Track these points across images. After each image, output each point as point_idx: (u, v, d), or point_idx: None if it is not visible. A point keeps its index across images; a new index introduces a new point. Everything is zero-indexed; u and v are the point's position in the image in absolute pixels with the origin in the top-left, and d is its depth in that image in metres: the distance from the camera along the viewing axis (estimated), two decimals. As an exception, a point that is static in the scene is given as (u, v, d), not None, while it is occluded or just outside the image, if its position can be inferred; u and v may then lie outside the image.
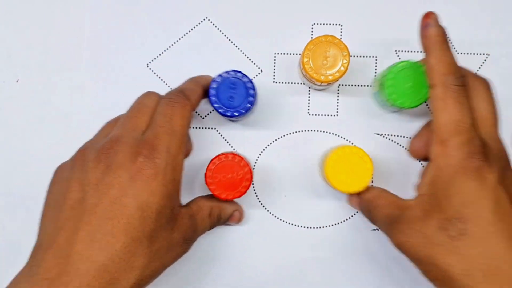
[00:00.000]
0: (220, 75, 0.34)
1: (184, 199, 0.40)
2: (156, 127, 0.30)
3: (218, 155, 0.35)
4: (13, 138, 0.39)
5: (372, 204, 0.34)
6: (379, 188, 0.35)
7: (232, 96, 0.34)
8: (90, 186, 0.28)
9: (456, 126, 0.29)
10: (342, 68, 0.34)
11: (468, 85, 0.31)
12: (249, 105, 0.34)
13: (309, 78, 0.35)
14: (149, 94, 0.33)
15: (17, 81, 0.39)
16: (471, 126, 0.29)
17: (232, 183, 0.34)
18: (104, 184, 0.28)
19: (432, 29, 0.31)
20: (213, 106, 0.34)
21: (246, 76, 0.34)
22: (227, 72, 0.34)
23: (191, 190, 0.39)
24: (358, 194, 0.36)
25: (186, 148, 0.33)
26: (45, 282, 0.26)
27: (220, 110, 0.34)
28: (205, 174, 0.34)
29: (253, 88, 0.34)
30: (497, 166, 0.29)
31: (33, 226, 0.40)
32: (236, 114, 0.34)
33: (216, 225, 0.35)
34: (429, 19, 0.31)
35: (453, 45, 0.39)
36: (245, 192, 0.34)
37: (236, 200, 0.38)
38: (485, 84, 0.32)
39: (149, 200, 0.28)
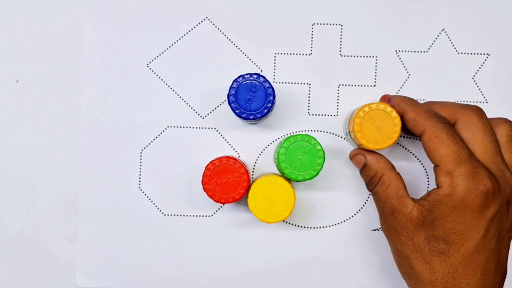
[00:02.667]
0: (242, 76, 0.34)
1: (183, 202, 0.40)
2: None
3: (212, 161, 0.35)
4: (13, 138, 0.39)
5: (378, 179, 0.35)
6: (384, 159, 0.35)
7: (250, 98, 0.34)
8: None
9: (457, 157, 0.31)
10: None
11: (459, 119, 0.33)
12: (265, 110, 0.34)
13: (357, 142, 0.35)
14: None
15: (17, 81, 0.39)
16: (470, 157, 0.31)
17: (229, 186, 0.34)
18: None
19: (395, 98, 0.35)
20: (230, 106, 0.34)
21: (268, 82, 0.34)
22: (250, 74, 0.34)
23: (189, 192, 0.39)
24: (363, 152, 0.36)
25: None
26: None
27: (237, 111, 0.34)
28: (202, 180, 0.34)
29: (273, 95, 0.34)
30: (501, 197, 0.31)
31: (33, 226, 0.40)
32: (251, 117, 0.34)
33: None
34: (386, 96, 0.36)
35: (453, 45, 0.39)
36: (244, 194, 0.35)
37: (234, 203, 0.38)
38: (477, 112, 0.33)
39: None
